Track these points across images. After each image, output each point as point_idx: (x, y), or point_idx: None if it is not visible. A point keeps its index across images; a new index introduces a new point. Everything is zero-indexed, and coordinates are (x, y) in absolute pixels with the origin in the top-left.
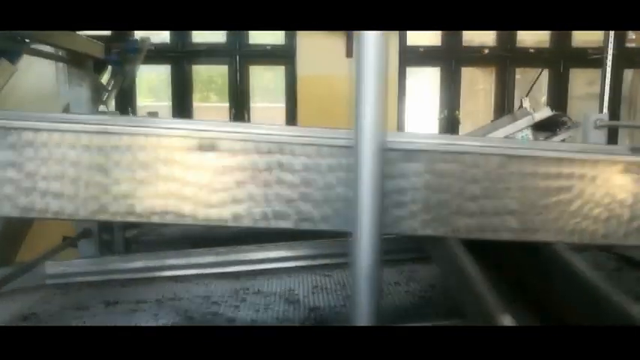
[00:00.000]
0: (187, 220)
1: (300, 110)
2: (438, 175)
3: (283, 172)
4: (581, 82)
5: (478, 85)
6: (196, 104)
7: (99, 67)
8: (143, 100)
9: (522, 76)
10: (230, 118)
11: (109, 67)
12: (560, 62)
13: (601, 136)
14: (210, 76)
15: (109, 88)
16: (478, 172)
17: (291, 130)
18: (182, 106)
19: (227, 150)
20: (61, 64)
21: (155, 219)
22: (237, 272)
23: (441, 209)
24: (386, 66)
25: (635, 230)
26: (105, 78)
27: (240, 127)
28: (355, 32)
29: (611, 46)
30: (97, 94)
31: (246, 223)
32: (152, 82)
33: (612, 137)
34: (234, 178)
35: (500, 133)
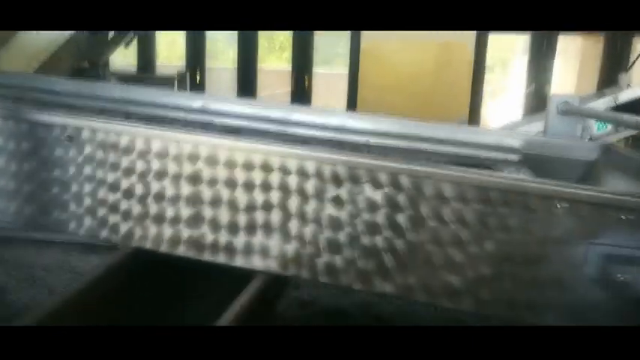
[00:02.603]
0: None
1: (363, 80)
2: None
3: None
4: None
5: (580, 56)
6: (260, 67)
7: None
8: (209, 62)
9: None
10: (292, 83)
11: None
12: None
13: (570, 123)
14: (274, 40)
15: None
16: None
17: None
18: (246, 69)
19: None
20: None
21: None
22: None
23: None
24: None
25: None
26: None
27: None
28: None
29: None
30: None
31: None
32: (217, 44)
33: None
34: None
35: None
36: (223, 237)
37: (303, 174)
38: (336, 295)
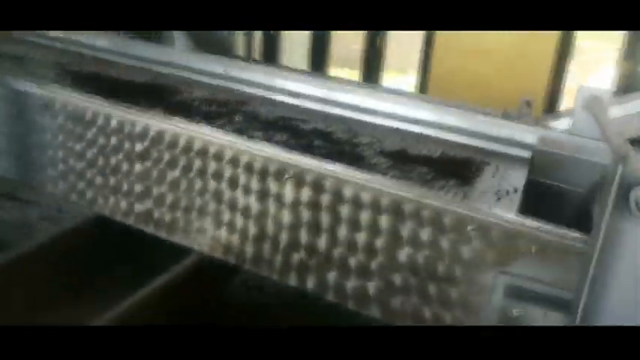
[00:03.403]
0: None
1: (440, 41)
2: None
3: None
4: None
5: None
6: None
7: None
8: None
9: None
10: (364, 40)
11: None
12: None
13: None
14: None
15: None
16: None
17: None
18: None
19: None
20: None
21: None
22: None
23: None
24: None
25: None
26: None
27: None
28: None
29: None
30: None
31: None
32: None
33: None
34: None
35: None
36: (165, 214)
37: (235, 164)
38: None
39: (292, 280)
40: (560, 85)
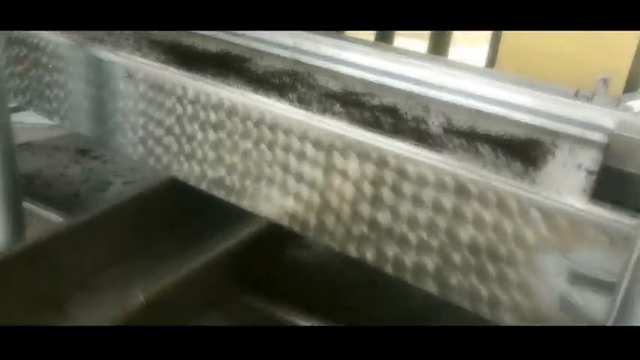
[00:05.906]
0: None
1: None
2: None
3: None
4: None
5: None
6: None
7: None
8: None
9: None
10: None
11: None
12: None
13: None
14: None
15: None
16: None
17: None
18: None
19: None
20: None
21: None
22: None
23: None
24: None
25: None
26: None
27: None
28: None
29: None
30: None
31: None
32: None
33: None
34: None
35: None
36: (236, 181)
37: (303, 138)
38: None
39: (352, 251)
40: None
